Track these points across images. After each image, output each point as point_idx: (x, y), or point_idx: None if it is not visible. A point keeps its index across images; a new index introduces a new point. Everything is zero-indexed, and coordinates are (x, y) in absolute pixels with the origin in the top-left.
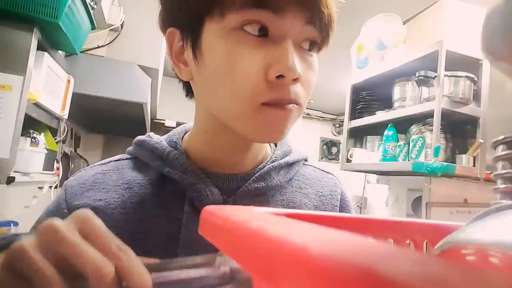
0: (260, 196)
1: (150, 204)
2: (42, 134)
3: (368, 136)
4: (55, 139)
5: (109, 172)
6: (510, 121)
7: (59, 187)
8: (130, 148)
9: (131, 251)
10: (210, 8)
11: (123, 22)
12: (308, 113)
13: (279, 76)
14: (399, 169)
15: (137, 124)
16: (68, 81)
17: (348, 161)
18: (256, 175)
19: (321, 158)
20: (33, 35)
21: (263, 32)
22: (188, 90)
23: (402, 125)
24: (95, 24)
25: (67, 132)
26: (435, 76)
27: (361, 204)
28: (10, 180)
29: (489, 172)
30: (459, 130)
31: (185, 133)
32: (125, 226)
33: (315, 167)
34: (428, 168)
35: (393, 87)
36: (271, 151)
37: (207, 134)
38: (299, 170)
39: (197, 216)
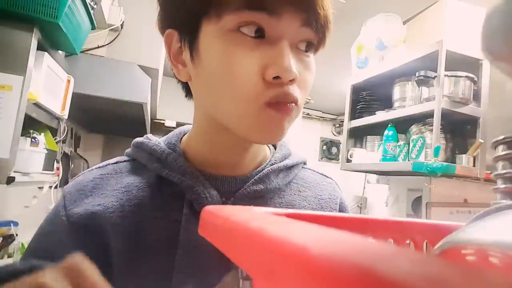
0: (259, 198)
1: (148, 206)
2: (42, 134)
3: (368, 136)
4: (55, 139)
5: (107, 176)
6: (510, 121)
7: (59, 187)
8: (128, 150)
9: None
10: (207, 9)
11: (123, 22)
12: (308, 113)
13: (276, 77)
14: (399, 169)
15: (137, 124)
16: (68, 81)
17: (348, 161)
18: (255, 177)
19: (321, 158)
20: (33, 35)
21: (260, 34)
22: (188, 91)
23: (402, 125)
24: (95, 24)
25: (67, 132)
26: (435, 76)
27: (361, 204)
28: (10, 180)
29: (489, 172)
30: (459, 130)
31: (183, 135)
32: (124, 229)
33: (314, 170)
34: (428, 168)
35: (393, 87)
36: (270, 154)
37: (205, 135)
38: (298, 173)
39: (196, 218)
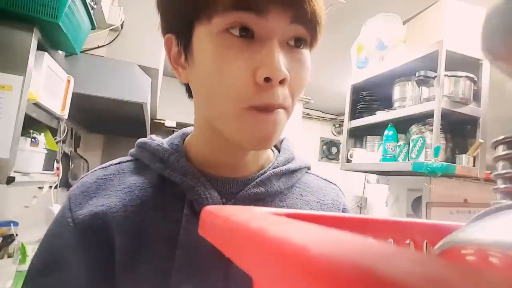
0: (260, 201)
1: (150, 206)
2: (42, 134)
3: (368, 136)
4: (55, 139)
5: (110, 177)
6: (510, 121)
7: (59, 187)
8: (132, 150)
9: None
10: (198, 13)
11: (123, 22)
12: (308, 113)
13: (267, 79)
14: (399, 169)
15: (137, 124)
16: (68, 81)
17: (348, 161)
18: (257, 180)
19: (321, 158)
20: (33, 35)
21: (248, 34)
22: (190, 92)
23: (402, 125)
24: (95, 24)
25: (67, 132)
26: (435, 76)
27: (361, 204)
28: (10, 180)
29: (489, 172)
30: (459, 130)
31: (187, 136)
32: (126, 228)
33: (318, 176)
34: (428, 168)
35: (393, 87)
36: (274, 157)
37: (205, 136)
38: (301, 178)
39: (196, 219)
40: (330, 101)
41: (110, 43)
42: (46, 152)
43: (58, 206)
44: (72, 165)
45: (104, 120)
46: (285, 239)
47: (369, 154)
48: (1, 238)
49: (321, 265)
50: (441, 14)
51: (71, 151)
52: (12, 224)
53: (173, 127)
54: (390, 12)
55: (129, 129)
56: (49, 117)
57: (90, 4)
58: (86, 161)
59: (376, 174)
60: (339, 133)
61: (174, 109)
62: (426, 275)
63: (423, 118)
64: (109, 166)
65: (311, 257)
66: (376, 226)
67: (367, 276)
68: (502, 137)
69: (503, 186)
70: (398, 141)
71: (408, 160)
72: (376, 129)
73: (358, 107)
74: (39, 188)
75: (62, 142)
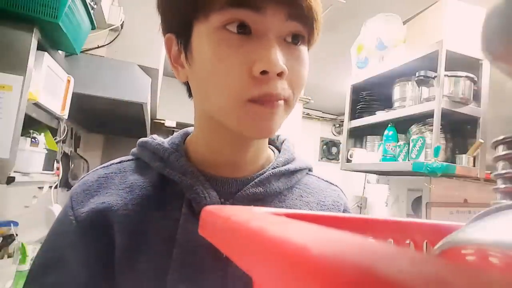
0: (258, 201)
1: (150, 205)
2: (42, 134)
3: (368, 136)
4: (55, 139)
5: (112, 176)
6: (510, 121)
7: (59, 187)
8: (134, 150)
9: None
10: (197, 11)
11: (123, 22)
12: (308, 113)
13: (264, 72)
14: (399, 169)
15: (137, 124)
16: (68, 81)
17: (348, 161)
18: (256, 180)
19: (321, 158)
20: (33, 35)
21: (245, 30)
22: (190, 92)
23: (402, 125)
24: (95, 24)
25: (67, 132)
26: (435, 76)
27: (361, 204)
28: (10, 180)
29: (489, 172)
30: (459, 130)
31: (187, 136)
32: (126, 227)
33: (319, 177)
34: (428, 168)
35: (393, 87)
36: (274, 158)
37: (204, 134)
38: (301, 179)
39: (195, 218)
40: (330, 101)
41: (110, 43)
42: (46, 152)
43: (58, 206)
44: (72, 165)
45: (104, 120)
46: (285, 239)
47: (369, 154)
48: (1, 238)
49: (321, 265)
50: (441, 14)
51: (71, 151)
52: (12, 224)
53: (173, 127)
54: (390, 12)
55: (129, 129)
56: (49, 117)
57: (90, 4)
58: (86, 161)
59: (376, 174)
60: (339, 133)
61: (174, 109)
62: (426, 275)
63: (423, 118)
64: (110, 165)
65: (311, 257)
66: (376, 226)
67: (367, 276)
68: (502, 137)
69: (503, 186)
70: (398, 141)
71: (408, 160)
72: (376, 129)
73: (358, 107)
74: (39, 188)
75: (62, 142)
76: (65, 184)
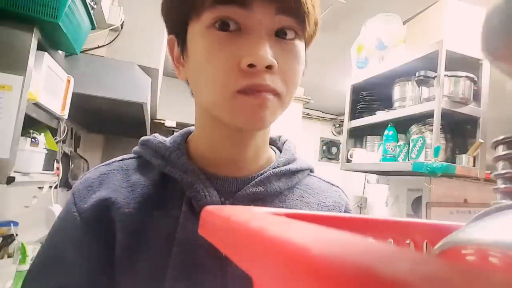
0: (259, 201)
1: (151, 204)
2: (42, 134)
3: (368, 136)
4: (55, 139)
5: (114, 172)
6: (510, 121)
7: (59, 187)
8: (135, 148)
9: None
10: (190, 12)
11: (123, 22)
12: (308, 113)
13: (251, 66)
14: (399, 169)
15: (137, 124)
16: (68, 81)
17: (348, 161)
18: (256, 180)
19: (321, 158)
20: (33, 35)
21: (234, 27)
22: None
23: (402, 125)
24: (95, 24)
25: (67, 132)
26: (435, 76)
27: (361, 204)
28: (10, 180)
29: (489, 172)
30: (459, 130)
31: (189, 135)
32: (127, 226)
33: (320, 178)
34: (428, 168)
35: (393, 87)
36: (275, 158)
37: (205, 131)
38: (302, 179)
39: (194, 217)
40: (330, 101)
41: (110, 43)
42: (46, 152)
43: (58, 206)
44: (72, 165)
45: (104, 120)
46: (286, 239)
47: (369, 154)
48: (1, 238)
49: (322, 265)
50: (441, 14)
51: (71, 151)
52: (12, 224)
53: (173, 127)
54: (390, 12)
55: (129, 129)
56: (49, 117)
57: (90, 4)
58: (86, 161)
59: (376, 174)
60: (339, 133)
61: (174, 109)
62: (426, 275)
63: (423, 118)
64: (112, 162)
65: (312, 257)
66: (376, 226)
67: (367, 276)
68: (502, 137)
69: (503, 186)
70: (398, 141)
71: (408, 160)
72: (376, 129)
73: (358, 107)
74: (39, 188)
75: (62, 142)
76: (65, 184)
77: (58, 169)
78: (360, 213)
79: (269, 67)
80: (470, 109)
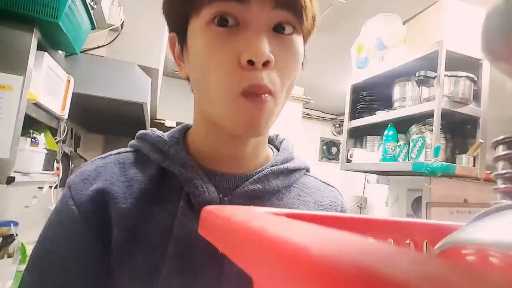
0: (257, 198)
1: (149, 199)
2: (42, 134)
3: (368, 136)
4: (55, 139)
5: (111, 165)
6: (510, 121)
7: (59, 187)
8: (132, 142)
9: None
10: (190, 9)
11: (123, 22)
12: (308, 113)
13: (250, 62)
14: (399, 169)
15: (137, 124)
16: (68, 81)
17: (348, 161)
18: (254, 177)
19: (321, 158)
20: (33, 35)
21: (233, 22)
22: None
23: (402, 125)
24: (95, 24)
25: (67, 132)
26: (435, 76)
27: (361, 204)
28: (10, 180)
29: (489, 172)
30: (459, 130)
31: (187, 130)
32: (124, 221)
33: (316, 178)
34: (428, 168)
35: (393, 87)
36: (273, 156)
37: (204, 128)
38: (299, 178)
39: (192, 212)
40: (330, 101)
41: (110, 43)
42: (46, 152)
43: None
44: (72, 165)
45: (104, 120)
46: (286, 239)
47: (369, 154)
48: (1, 238)
49: (321, 265)
50: (441, 14)
51: (71, 151)
52: (12, 224)
53: (173, 127)
54: (390, 12)
55: (129, 129)
56: (49, 117)
57: (90, 4)
58: (86, 161)
59: (376, 174)
60: (339, 133)
61: (174, 109)
62: (426, 275)
63: (423, 118)
64: (108, 156)
65: (312, 257)
66: (376, 226)
67: (367, 276)
68: (502, 137)
69: (503, 186)
70: (398, 141)
71: (408, 160)
72: (376, 129)
73: (358, 107)
74: (39, 188)
75: (62, 142)
76: (65, 184)
77: (58, 169)
78: (360, 213)
79: (266, 64)
80: (470, 109)
